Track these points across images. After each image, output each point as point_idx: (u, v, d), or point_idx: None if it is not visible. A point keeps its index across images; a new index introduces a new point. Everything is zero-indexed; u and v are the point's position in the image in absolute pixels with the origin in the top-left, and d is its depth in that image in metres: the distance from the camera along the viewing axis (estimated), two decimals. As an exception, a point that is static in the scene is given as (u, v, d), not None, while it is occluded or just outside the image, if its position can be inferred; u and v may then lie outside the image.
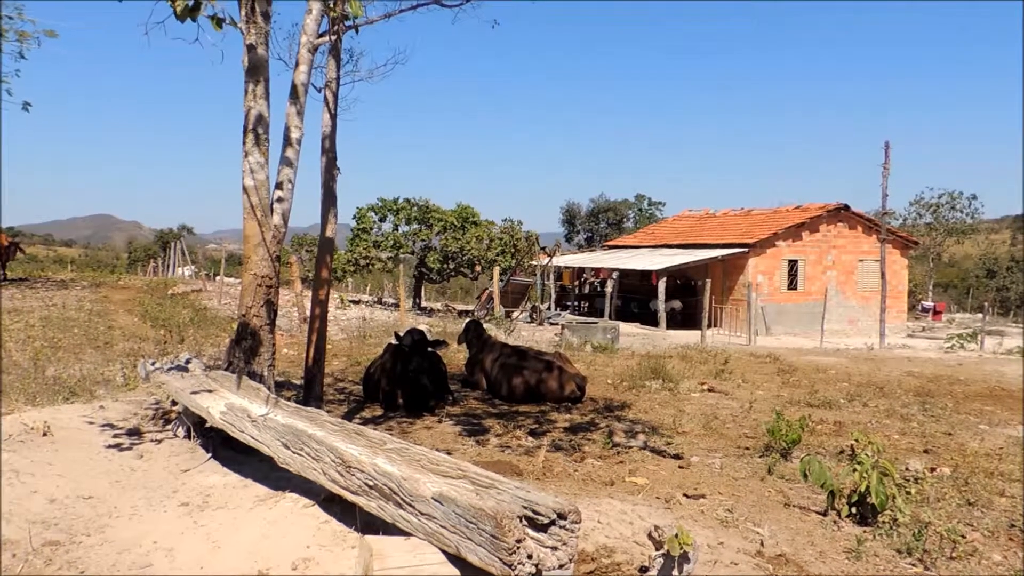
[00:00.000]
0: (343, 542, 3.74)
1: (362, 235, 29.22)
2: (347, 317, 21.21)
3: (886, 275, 25.49)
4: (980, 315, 28.68)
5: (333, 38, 7.39)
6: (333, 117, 7.89)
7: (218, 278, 28.82)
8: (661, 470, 6.58)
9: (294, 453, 4.13)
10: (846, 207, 28.91)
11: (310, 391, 7.72)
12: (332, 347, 14.31)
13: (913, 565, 4.47)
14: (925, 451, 7.76)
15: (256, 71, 5.94)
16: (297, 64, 6.53)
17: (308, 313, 9.43)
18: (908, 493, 5.58)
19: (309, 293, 9.49)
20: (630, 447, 7.39)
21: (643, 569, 3.83)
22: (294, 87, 6.48)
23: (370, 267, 29.10)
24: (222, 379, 5.82)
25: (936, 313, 38.20)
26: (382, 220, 29.84)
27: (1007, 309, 51.44)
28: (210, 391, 5.53)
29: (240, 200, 6.01)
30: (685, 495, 5.70)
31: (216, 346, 12.29)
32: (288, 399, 5.86)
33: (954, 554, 4.63)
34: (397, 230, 29.79)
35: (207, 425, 5.40)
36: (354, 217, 29.83)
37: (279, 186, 6.23)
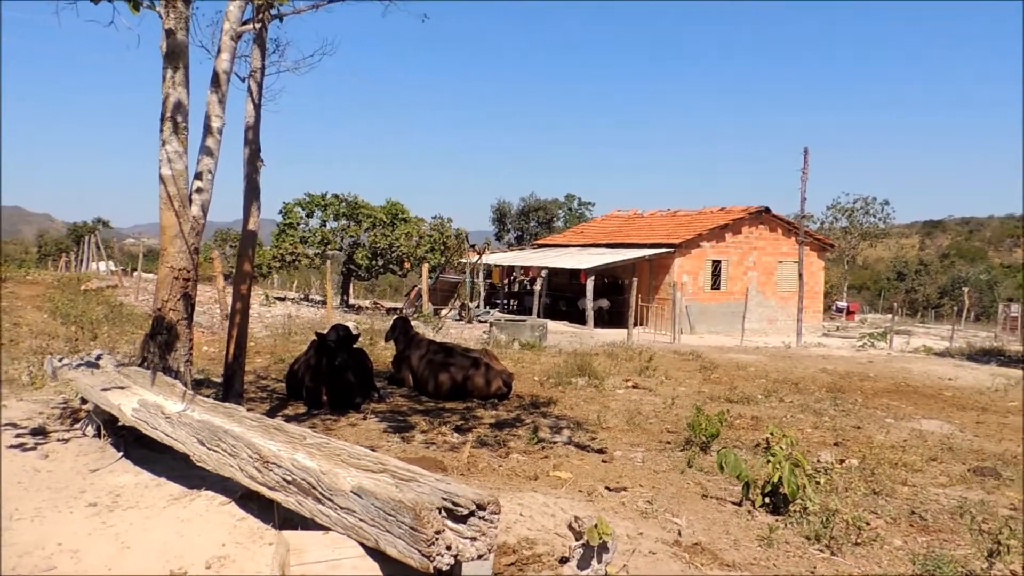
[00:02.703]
0: (260, 539, 3.66)
1: (288, 231, 28.63)
2: (272, 314, 20.77)
3: (804, 276, 26.45)
4: (890, 315, 30.05)
5: (258, 26, 7.23)
6: (257, 107, 7.72)
7: (136, 274, 27.82)
8: (585, 464, 6.67)
9: (210, 450, 4.03)
10: (767, 210, 29.85)
11: (230, 388, 7.53)
12: (256, 344, 13.99)
13: (821, 551, 4.65)
14: (835, 444, 8.08)
15: (175, 57, 5.77)
16: (219, 51, 6.36)
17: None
18: (818, 483, 5.81)
19: (232, 289, 9.24)
20: (555, 442, 7.46)
21: (563, 560, 3.88)
22: (216, 75, 6.31)
23: (296, 263, 28.55)
24: (135, 375, 5.63)
25: (850, 313, 39.87)
26: (309, 215, 29.31)
27: (915, 310, 54.08)
28: (122, 388, 5.34)
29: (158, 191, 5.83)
30: (607, 488, 5.79)
31: (132, 343, 11.85)
32: (208, 397, 5.71)
33: (859, 540, 4.84)
34: (325, 226, 29.31)
35: (119, 423, 5.21)
36: (280, 212, 29.21)
37: (199, 176, 6.06)
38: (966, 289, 44.43)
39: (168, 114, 5.75)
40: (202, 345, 13.61)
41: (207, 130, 6.21)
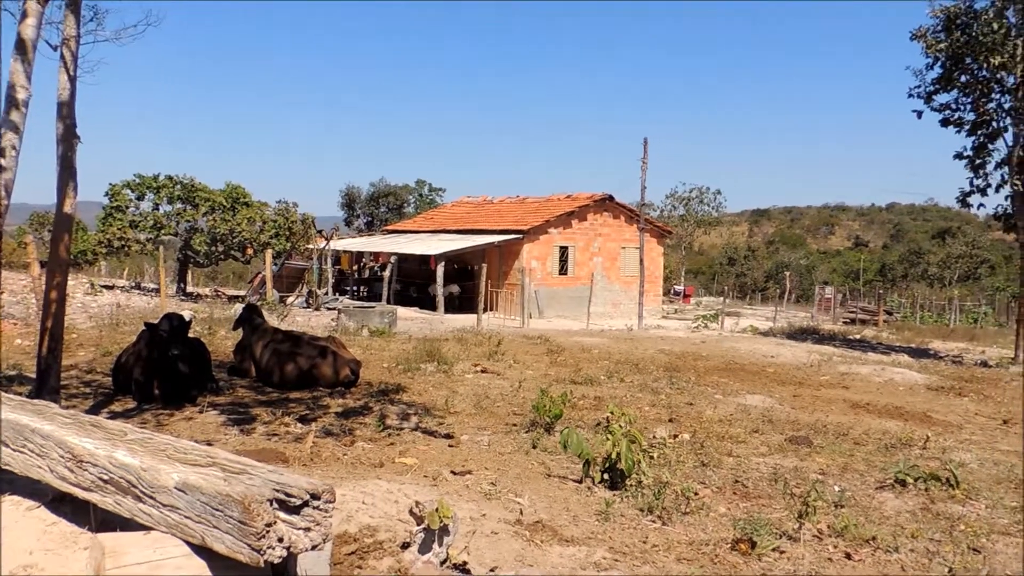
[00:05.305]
0: (74, 544, 3.38)
1: (116, 214, 26.62)
2: (98, 304, 19.30)
3: (644, 262, 27.72)
4: (722, 298, 32.15)
5: (71, -10, 6.63)
6: (72, 80, 7.08)
7: (-65, 260, 24.95)
8: (431, 450, 6.68)
9: (15, 451, 3.67)
10: (611, 198, 31.00)
11: (44, 384, 6.92)
12: (79, 336, 12.95)
13: (653, 521, 4.92)
14: (670, 420, 8.55)
15: (-30, 18, 5.18)
16: (25, 16, 5.78)
17: (45, 298, 8.41)
18: (652, 458, 6.14)
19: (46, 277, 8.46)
20: (402, 429, 7.42)
21: (405, 545, 3.87)
22: (21, 42, 5.73)
23: (126, 249, 26.64)
24: (-72, 372, 5.05)
25: (686, 296, 42.29)
26: (140, 198, 27.38)
27: (744, 293, 58.15)
28: (-89, 386, 4.77)
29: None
30: (452, 472, 5.83)
31: (-72, 337, 10.63)
32: (20, 394, 5.21)
33: (688, 509, 5.16)
34: (158, 209, 27.50)
35: (-93, 426, 4.65)
36: (107, 194, 27.09)
37: (1, 153, 5.49)
38: (788, 273, 48.21)
39: (-37, 82, 5.16)
40: (15, 338, 12.44)
41: (11, 102, 5.63)
